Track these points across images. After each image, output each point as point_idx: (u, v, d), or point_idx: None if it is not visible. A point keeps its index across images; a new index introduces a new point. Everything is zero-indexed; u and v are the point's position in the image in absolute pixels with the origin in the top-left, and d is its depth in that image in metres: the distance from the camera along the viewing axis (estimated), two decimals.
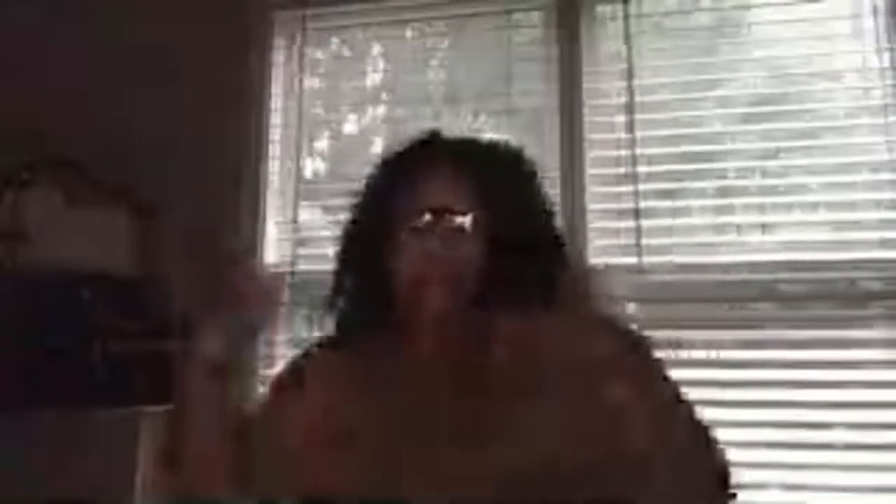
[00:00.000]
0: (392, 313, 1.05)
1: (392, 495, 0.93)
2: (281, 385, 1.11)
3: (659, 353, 1.04)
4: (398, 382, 1.03)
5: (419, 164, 1.04)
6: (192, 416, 1.06)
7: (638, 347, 1.02)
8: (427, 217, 1.00)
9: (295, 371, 1.12)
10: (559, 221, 1.82)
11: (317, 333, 1.14)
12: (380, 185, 1.08)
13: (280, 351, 1.98)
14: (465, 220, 1.00)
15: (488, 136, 1.98)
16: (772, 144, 1.84)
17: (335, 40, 2.18)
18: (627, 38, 1.87)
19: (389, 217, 1.03)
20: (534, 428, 0.95)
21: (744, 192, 1.85)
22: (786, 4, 1.88)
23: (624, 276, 1.79)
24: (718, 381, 1.74)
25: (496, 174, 1.03)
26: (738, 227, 1.83)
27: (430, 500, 0.93)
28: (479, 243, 0.99)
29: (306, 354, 1.14)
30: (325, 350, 1.11)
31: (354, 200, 1.11)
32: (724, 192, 1.86)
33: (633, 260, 1.78)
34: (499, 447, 0.95)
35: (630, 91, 1.85)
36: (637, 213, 1.80)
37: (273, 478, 1.01)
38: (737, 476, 1.65)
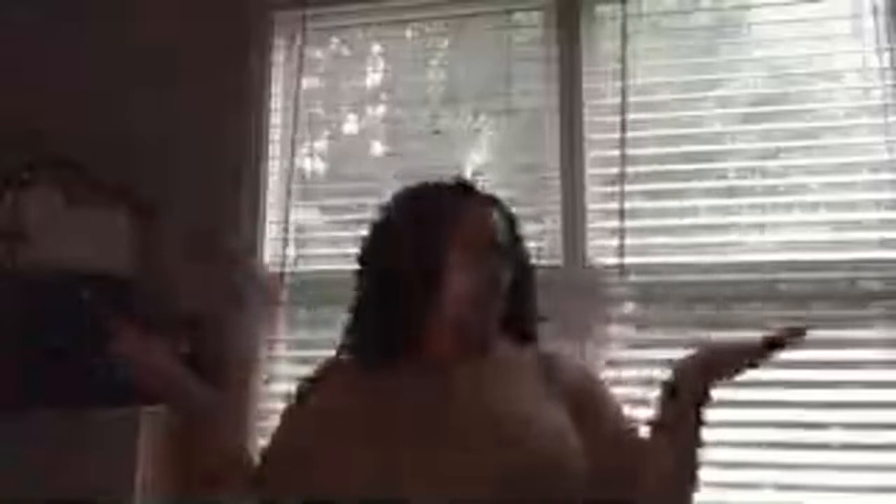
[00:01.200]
0: (420, 329, 1.12)
1: (394, 496, 0.95)
2: (299, 396, 1.16)
3: None
4: (410, 393, 1.06)
5: (463, 199, 1.17)
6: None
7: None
8: (482, 250, 1.11)
9: (313, 382, 1.17)
10: (559, 222, 1.84)
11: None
12: (422, 212, 1.15)
13: (280, 352, 1.98)
14: (505, 251, 1.14)
15: (488, 136, 2.00)
16: (772, 144, 1.84)
17: (335, 40, 2.18)
18: (624, 37, 1.86)
19: (439, 240, 1.10)
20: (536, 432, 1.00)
21: (744, 191, 1.85)
22: (786, 4, 1.87)
23: (623, 276, 1.79)
24: None
25: (511, 220, 1.20)
26: (738, 227, 1.82)
27: (432, 500, 0.94)
28: (511, 269, 1.14)
29: (327, 367, 1.19)
30: (344, 363, 1.16)
31: (381, 232, 1.17)
32: (724, 192, 1.86)
33: (632, 260, 1.78)
34: (501, 451, 0.97)
35: (623, 91, 1.84)
36: (637, 214, 1.80)
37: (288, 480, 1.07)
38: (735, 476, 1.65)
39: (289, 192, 2.03)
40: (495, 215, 1.17)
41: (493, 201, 1.20)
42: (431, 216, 1.13)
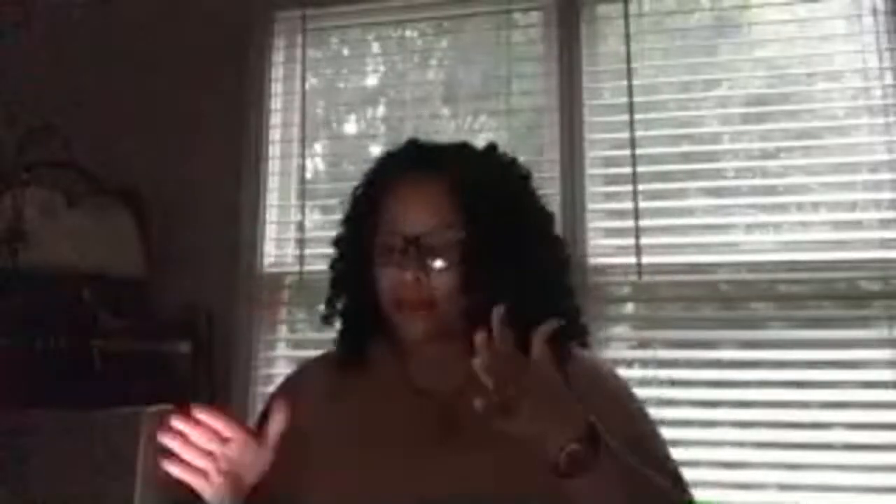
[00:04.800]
0: (383, 334, 1.02)
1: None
2: (273, 399, 1.06)
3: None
4: (381, 406, 0.99)
5: (394, 183, 0.99)
6: None
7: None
8: (398, 244, 0.95)
9: (287, 385, 1.09)
10: (559, 222, 1.81)
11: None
12: (359, 203, 1.04)
13: (280, 352, 1.98)
14: (439, 244, 0.94)
15: (488, 136, 2.00)
16: (771, 144, 1.84)
17: (335, 40, 2.18)
18: (627, 37, 1.86)
19: (369, 239, 0.99)
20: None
21: (744, 191, 1.84)
22: (785, 4, 1.87)
23: (624, 276, 1.79)
24: (718, 381, 1.74)
25: (481, 183, 0.97)
26: (738, 227, 1.82)
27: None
28: (463, 260, 0.94)
29: (302, 370, 1.13)
30: (319, 366, 1.09)
31: (343, 216, 1.07)
32: (723, 191, 1.86)
33: (632, 260, 1.78)
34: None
35: (630, 90, 1.84)
36: (636, 213, 1.80)
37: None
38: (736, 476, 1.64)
39: (303, 193, 2.03)
40: (432, 197, 0.95)
41: (450, 170, 0.97)
42: (363, 193, 1.03)
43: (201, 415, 0.87)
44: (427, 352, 1.00)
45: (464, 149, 1.04)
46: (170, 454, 0.88)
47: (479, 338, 0.77)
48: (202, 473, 0.87)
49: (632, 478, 0.84)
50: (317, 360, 1.11)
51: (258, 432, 0.91)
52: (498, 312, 0.78)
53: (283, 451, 0.94)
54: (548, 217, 1.04)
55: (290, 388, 1.07)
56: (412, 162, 1.01)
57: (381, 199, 0.99)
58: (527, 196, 1.02)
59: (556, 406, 0.79)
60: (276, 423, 0.90)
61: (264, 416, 1.03)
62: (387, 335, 1.03)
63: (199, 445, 0.87)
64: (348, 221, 1.06)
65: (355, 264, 1.01)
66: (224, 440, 0.88)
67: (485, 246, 0.93)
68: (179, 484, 0.89)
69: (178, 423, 0.87)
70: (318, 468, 0.95)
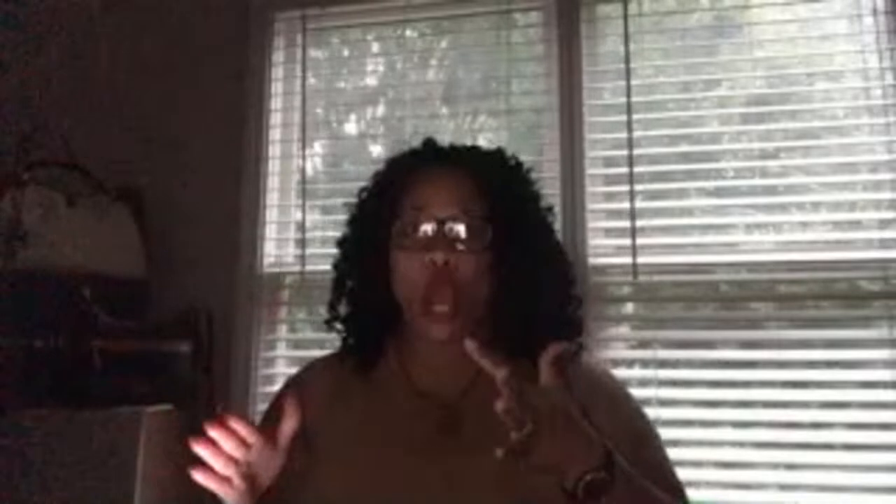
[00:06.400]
0: (392, 333, 1.03)
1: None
2: (279, 398, 1.08)
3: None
4: (384, 407, 1.00)
5: (417, 172, 1.02)
6: None
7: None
8: (428, 227, 0.96)
9: (294, 385, 1.10)
10: (559, 222, 1.82)
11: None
12: (375, 197, 1.05)
13: (280, 352, 1.98)
14: (466, 228, 0.96)
15: (488, 136, 2.00)
16: (771, 145, 1.84)
17: (335, 40, 2.18)
18: (626, 37, 1.86)
19: (385, 231, 0.99)
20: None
21: (744, 191, 1.84)
22: (786, 4, 1.87)
23: (624, 276, 1.79)
24: (718, 381, 1.74)
25: (501, 176, 1.02)
26: (738, 227, 1.82)
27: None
28: (484, 253, 0.96)
29: (308, 370, 1.13)
30: (325, 366, 1.10)
31: (350, 214, 1.09)
32: (723, 191, 1.86)
33: (631, 260, 1.78)
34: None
35: (628, 90, 1.84)
36: (636, 214, 1.80)
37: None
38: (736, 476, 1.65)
39: (304, 193, 2.02)
40: (457, 184, 0.99)
41: (472, 163, 1.02)
42: (379, 188, 1.05)
43: (233, 423, 0.87)
44: (434, 354, 1.01)
45: (477, 148, 1.10)
46: (198, 462, 0.88)
47: (501, 377, 0.77)
48: (227, 480, 0.88)
49: (641, 497, 0.85)
50: (323, 359, 1.12)
51: (270, 434, 0.91)
52: (503, 372, 0.78)
53: (290, 451, 0.94)
54: (551, 211, 1.08)
55: (296, 388, 1.07)
56: (435, 155, 1.06)
57: (407, 185, 1.01)
58: (536, 191, 1.07)
59: (574, 436, 0.78)
60: (288, 426, 0.91)
61: (268, 416, 1.04)
62: (395, 334, 1.04)
63: (227, 453, 0.87)
64: (364, 209, 1.07)
65: (369, 253, 1.01)
66: (248, 446, 0.88)
67: (508, 234, 0.96)
68: (202, 490, 0.89)
69: (213, 431, 0.87)
70: (322, 468, 0.96)
